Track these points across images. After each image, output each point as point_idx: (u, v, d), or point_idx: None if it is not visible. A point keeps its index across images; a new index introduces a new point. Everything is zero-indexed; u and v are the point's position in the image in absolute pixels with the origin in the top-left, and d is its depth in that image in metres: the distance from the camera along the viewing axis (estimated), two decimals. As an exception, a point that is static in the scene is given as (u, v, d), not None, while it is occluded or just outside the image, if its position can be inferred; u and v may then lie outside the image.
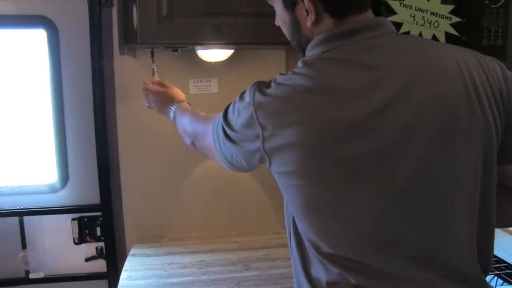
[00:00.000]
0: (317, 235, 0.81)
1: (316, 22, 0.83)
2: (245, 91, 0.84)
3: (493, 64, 0.83)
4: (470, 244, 0.80)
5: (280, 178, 0.82)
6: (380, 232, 0.77)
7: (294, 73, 0.79)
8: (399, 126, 0.75)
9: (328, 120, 0.74)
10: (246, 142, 0.82)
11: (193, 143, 1.10)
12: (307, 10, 0.83)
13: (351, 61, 0.78)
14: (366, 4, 0.84)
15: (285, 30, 0.93)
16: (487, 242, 0.84)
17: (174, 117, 1.29)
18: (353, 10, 0.83)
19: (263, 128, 0.78)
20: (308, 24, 0.84)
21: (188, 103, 1.34)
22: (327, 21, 0.83)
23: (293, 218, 0.87)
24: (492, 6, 1.27)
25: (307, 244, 0.84)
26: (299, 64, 0.81)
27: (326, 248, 0.80)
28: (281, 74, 0.82)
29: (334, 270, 0.79)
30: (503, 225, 0.98)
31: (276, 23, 0.96)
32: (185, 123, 1.16)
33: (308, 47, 0.87)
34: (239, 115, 0.82)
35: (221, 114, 0.89)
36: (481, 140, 0.78)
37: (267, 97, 0.78)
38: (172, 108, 1.31)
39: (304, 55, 0.92)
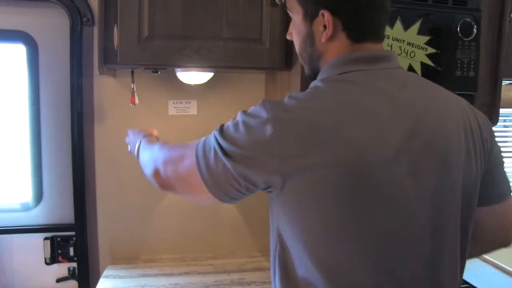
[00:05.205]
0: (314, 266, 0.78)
1: (331, 39, 0.84)
2: (247, 110, 0.80)
3: (484, 115, 0.89)
4: (455, 277, 0.82)
5: (295, 199, 0.77)
6: (376, 266, 0.77)
7: (311, 92, 0.79)
8: (413, 158, 0.76)
9: (348, 143, 0.73)
10: (252, 160, 0.75)
11: (157, 171, 0.97)
12: (324, 26, 0.83)
13: (370, 86, 0.79)
14: (382, 36, 0.86)
15: (297, 42, 0.93)
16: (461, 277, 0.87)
17: (139, 148, 1.18)
18: (370, 37, 0.84)
19: (282, 147, 0.73)
20: (323, 39, 0.85)
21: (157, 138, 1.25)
22: (342, 41, 0.84)
23: (281, 248, 0.83)
24: (465, 39, 1.32)
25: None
26: (318, 83, 0.81)
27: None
28: (297, 93, 0.79)
29: None
30: None
31: (288, 37, 0.96)
32: (154, 151, 1.04)
33: (325, 67, 0.87)
34: (250, 131, 0.76)
35: (212, 134, 0.82)
36: (469, 183, 0.82)
37: (288, 114, 0.74)
38: (139, 138, 1.21)
39: (310, 70, 0.92)
